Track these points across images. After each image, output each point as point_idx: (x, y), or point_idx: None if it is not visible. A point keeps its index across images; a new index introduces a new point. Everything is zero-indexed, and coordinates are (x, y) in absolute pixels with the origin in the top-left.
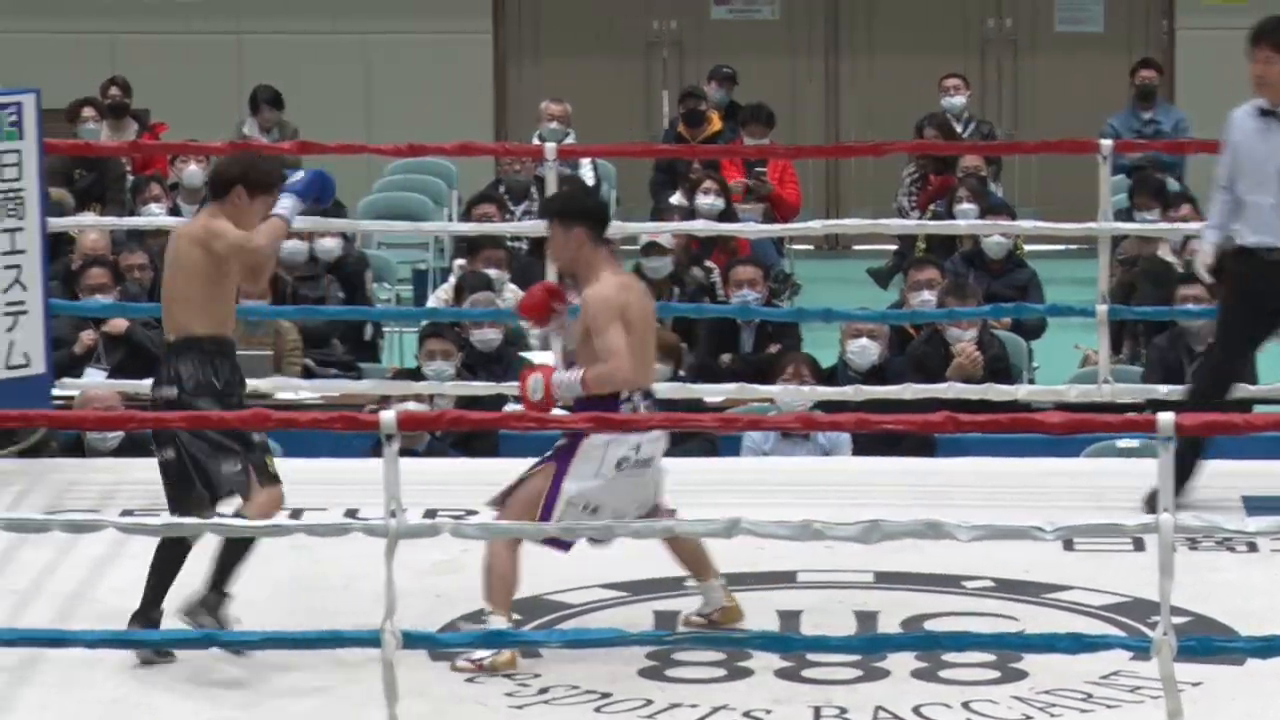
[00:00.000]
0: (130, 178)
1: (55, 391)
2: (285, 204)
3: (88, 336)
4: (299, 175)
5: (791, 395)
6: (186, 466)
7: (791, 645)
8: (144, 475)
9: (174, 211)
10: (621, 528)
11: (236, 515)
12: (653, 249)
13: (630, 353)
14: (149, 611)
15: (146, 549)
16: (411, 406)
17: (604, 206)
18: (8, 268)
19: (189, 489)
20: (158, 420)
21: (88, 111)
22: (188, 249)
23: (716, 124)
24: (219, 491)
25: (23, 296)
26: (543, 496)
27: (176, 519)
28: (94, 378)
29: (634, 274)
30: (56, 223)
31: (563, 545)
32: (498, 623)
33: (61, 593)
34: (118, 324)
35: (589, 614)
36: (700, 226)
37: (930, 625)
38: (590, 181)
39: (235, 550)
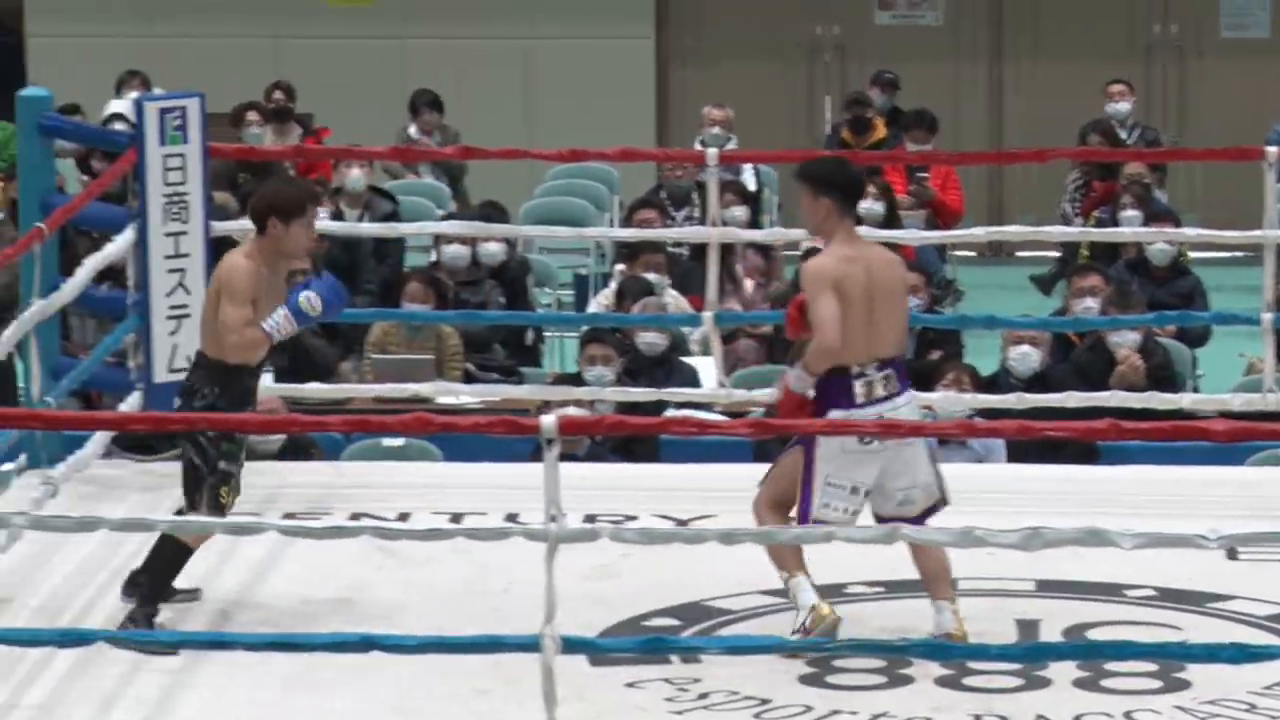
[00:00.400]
0: None
1: None
2: (274, 320)
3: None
4: (310, 297)
5: (951, 402)
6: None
7: (952, 653)
8: (306, 479)
9: (336, 216)
10: (782, 533)
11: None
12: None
13: (854, 324)
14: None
15: (308, 552)
16: (572, 411)
17: (857, 181)
18: (171, 271)
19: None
20: (319, 424)
21: (252, 116)
22: (215, 281)
23: (881, 130)
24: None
25: (186, 300)
26: (799, 479)
27: (337, 523)
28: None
29: (882, 246)
30: (220, 227)
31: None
32: (796, 585)
33: (223, 596)
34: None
35: (749, 620)
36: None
37: (1092, 634)
38: (751, 187)
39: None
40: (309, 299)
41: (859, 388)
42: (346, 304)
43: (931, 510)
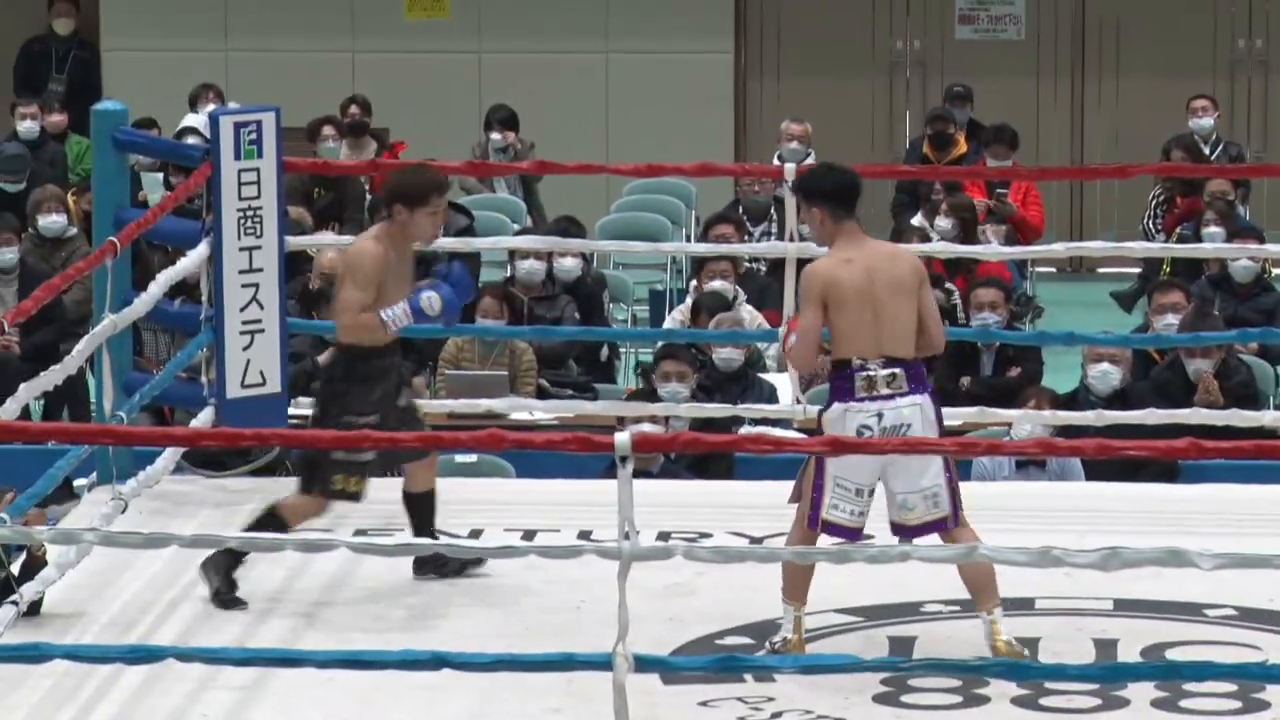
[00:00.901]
0: (369, 197)
1: (290, 411)
2: (394, 311)
3: None
4: (431, 299)
5: (1031, 420)
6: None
7: (1029, 673)
8: (376, 495)
9: None
10: (858, 552)
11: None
12: None
13: (857, 323)
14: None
15: (378, 570)
16: (646, 428)
17: (842, 185)
18: (245, 286)
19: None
20: (391, 440)
21: (327, 130)
22: (342, 263)
23: (962, 146)
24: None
25: (259, 315)
26: (812, 482)
27: (408, 540)
28: None
29: (889, 244)
30: (294, 241)
31: (849, 532)
32: (788, 614)
33: (293, 612)
34: None
35: (823, 639)
36: (941, 248)
37: (1171, 654)
38: None
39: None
40: (429, 300)
41: (859, 381)
42: (470, 298)
43: (935, 526)
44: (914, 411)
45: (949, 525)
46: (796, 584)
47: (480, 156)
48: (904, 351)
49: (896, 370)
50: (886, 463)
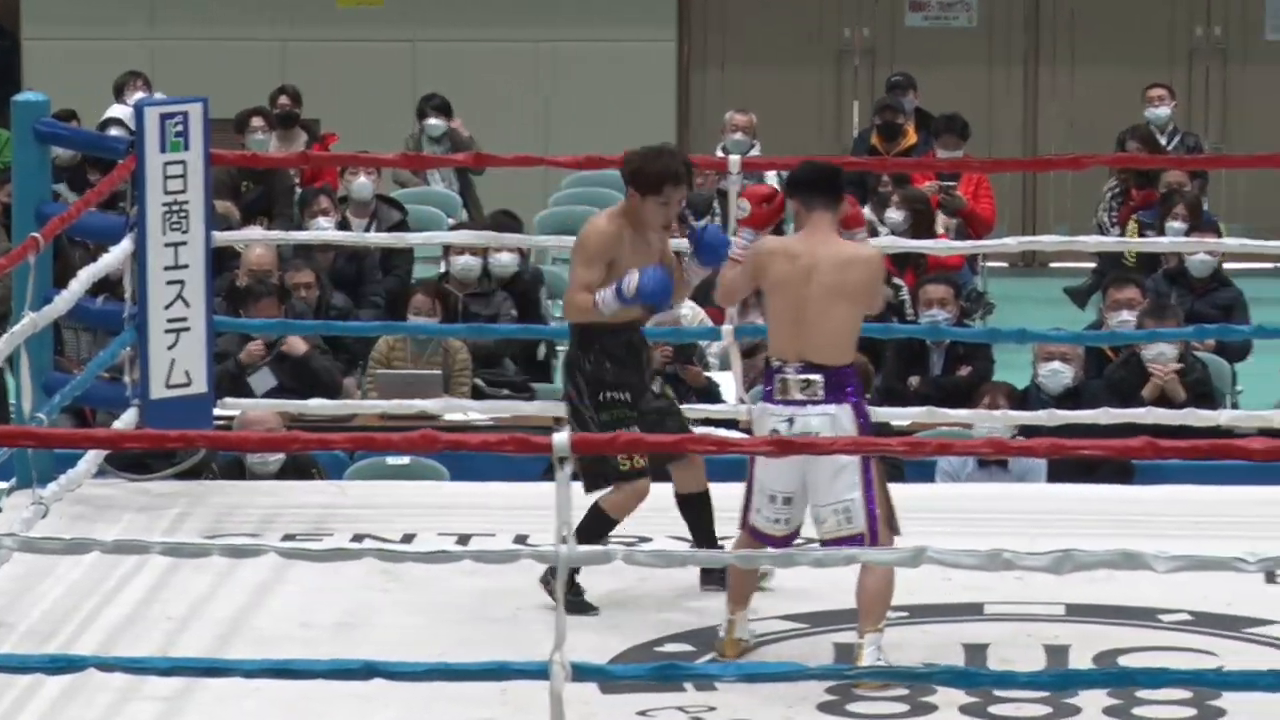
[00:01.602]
0: (298, 190)
1: (216, 412)
2: (606, 294)
3: (255, 347)
4: (630, 282)
5: (983, 419)
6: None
7: (978, 680)
8: (307, 499)
9: (343, 225)
10: (802, 556)
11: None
12: None
13: (779, 319)
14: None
15: (307, 575)
16: None
17: (812, 173)
18: (170, 283)
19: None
20: (322, 442)
21: (256, 121)
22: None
23: (912, 137)
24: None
25: (185, 313)
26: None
27: (339, 545)
28: (264, 379)
29: (851, 246)
30: (221, 237)
31: (768, 539)
32: (731, 618)
33: (219, 620)
34: (295, 344)
35: (766, 646)
36: (889, 243)
37: (1124, 660)
38: None
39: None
40: (629, 283)
41: (776, 383)
42: (722, 259)
43: (849, 542)
44: (823, 422)
45: (864, 544)
46: (735, 589)
47: (414, 147)
48: (827, 358)
49: (813, 377)
50: (805, 471)
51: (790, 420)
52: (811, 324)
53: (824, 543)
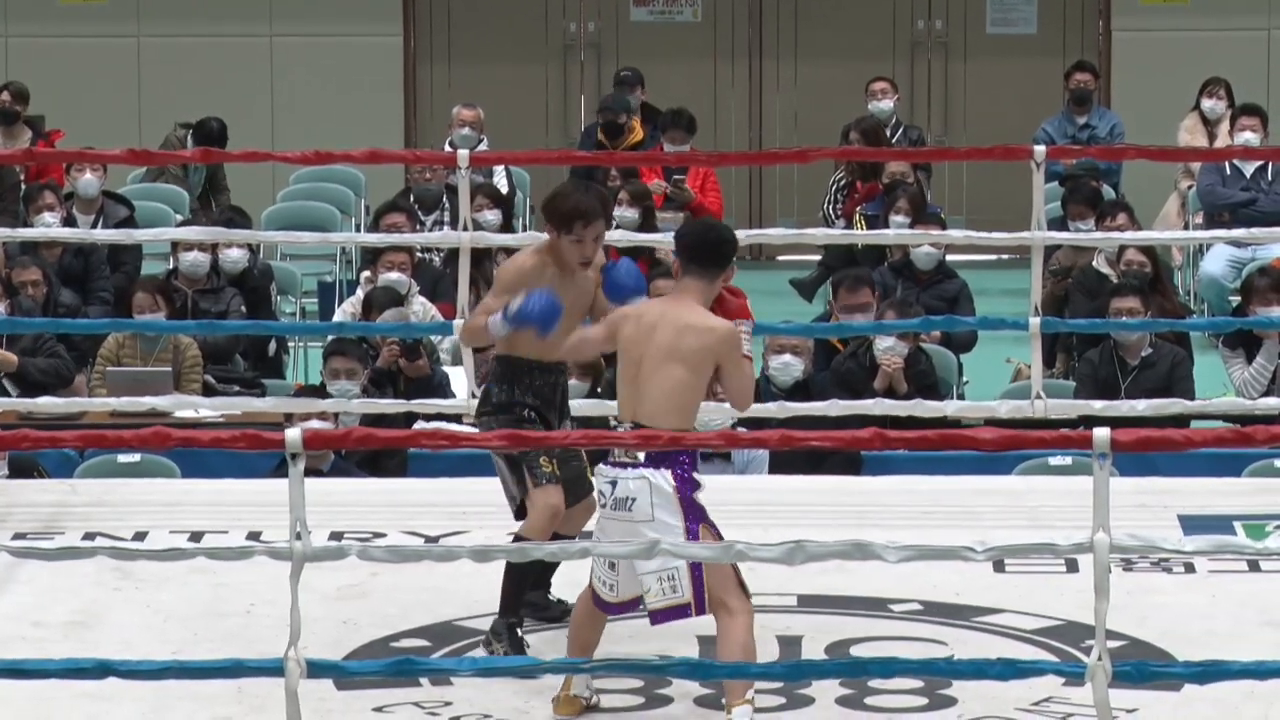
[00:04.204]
0: (23, 186)
1: None
2: (495, 317)
3: None
4: (510, 304)
5: (712, 412)
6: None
7: (713, 673)
8: (37, 497)
9: (68, 222)
10: (537, 550)
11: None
12: None
13: (620, 377)
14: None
15: (39, 575)
16: (316, 424)
17: (694, 237)
18: None
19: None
20: (51, 440)
21: None
22: None
23: (639, 133)
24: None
25: None
26: None
27: (70, 544)
28: None
29: (706, 316)
30: None
31: (600, 601)
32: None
33: None
34: (8, 358)
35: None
36: (619, 237)
37: (856, 650)
38: (504, 190)
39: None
40: (512, 304)
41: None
42: (642, 293)
43: (676, 613)
44: (640, 485)
45: (690, 614)
46: (574, 640)
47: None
48: (657, 421)
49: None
50: (631, 537)
51: (614, 483)
52: (643, 384)
53: (651, 613)
